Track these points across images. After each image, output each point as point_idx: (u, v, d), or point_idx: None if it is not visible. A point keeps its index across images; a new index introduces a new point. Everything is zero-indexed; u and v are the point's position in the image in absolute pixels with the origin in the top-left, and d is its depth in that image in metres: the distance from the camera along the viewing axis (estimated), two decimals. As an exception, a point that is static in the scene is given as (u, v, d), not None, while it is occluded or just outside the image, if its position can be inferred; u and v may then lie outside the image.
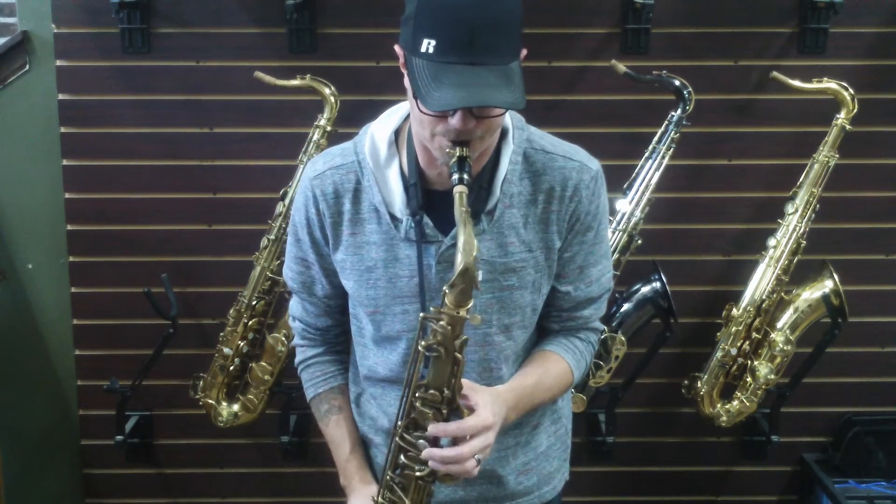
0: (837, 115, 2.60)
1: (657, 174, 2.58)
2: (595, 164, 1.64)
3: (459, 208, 1.40)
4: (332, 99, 2.60)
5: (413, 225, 1.57)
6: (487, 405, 1.48)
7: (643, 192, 2.57)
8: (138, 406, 2.89)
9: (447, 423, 1.47)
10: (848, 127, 2.59)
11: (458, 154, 1.43)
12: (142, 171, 2.80)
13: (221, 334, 2.65)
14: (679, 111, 2.58)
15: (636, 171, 2.60)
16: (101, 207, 2.82)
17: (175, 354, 2.80)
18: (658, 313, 2.62)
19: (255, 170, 2.79)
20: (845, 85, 2.59)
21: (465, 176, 1.42)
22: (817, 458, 2.94)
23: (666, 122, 2.60)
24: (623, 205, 2.57)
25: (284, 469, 2.96)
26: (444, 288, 1.41)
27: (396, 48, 1.48)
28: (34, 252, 2.88)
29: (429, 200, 1.57)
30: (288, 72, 2.63)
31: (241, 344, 2.64)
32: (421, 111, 1.43)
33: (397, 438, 1.52)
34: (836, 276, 2.63)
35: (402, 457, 1.52)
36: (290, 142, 2.68)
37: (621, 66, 2.61)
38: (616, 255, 2.56)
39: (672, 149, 2.59)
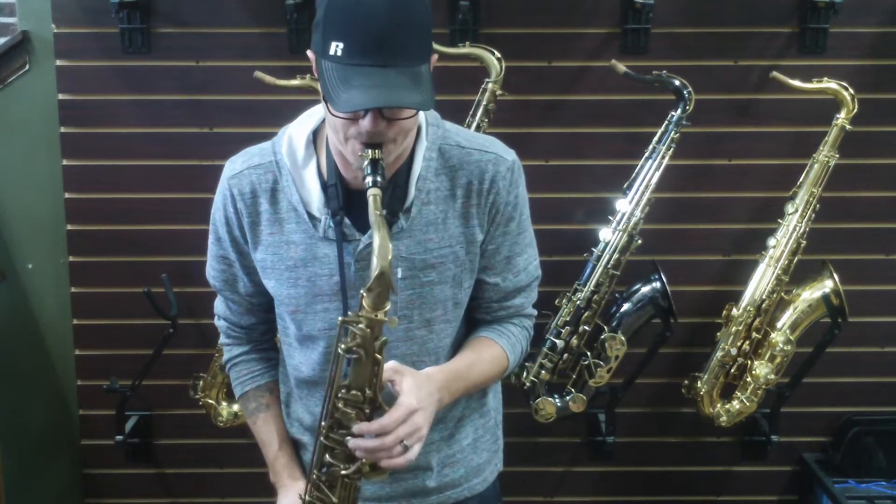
0: (837, 115, 2.60)
1: (657, 174, 2.58)
2: (511, 156, 1.64)
3: (374, 211, 1.40)
4: (332, 99, 2.60)
5: (333, 224, 1.57)
6: (412, 391, 1.48)
7: (643, 192, 2.57)
8: (138, 406, 2.89)
9: (370, 421, 1.46)
10: (848, 127, 2.59)
11: (370, 157, 1.43)
12: (142, 171, 2.80)
13: (221, 334, 2.66)
14: (679, 111, 2.57)
15: (636, 171, 2.59)
16: (101, 207, 2.82)
17: (175, 354, 2.80)
18: (658, 313, 2.62)
19: (255, 170, 2.78)
20: (845, 85, 2.59)
21: (378, 178, 1.42)
22: (817, 458, 2.94)
23: (666, 122, 2.59)
24: (623, 205, 2.57)
25: (284, 469, 2.95)
26: (362, 291, 1.42)
27: (309, 53, 1.49)
28: (34, 252, 2.88)
29: (347, 200, 1.57)
30: (288, 72, 2.63)
31: (241, 344, 2.63)
32: (332, 113, 1.44)
33: (322, 438, 1.52)
34: (836, 276, 2.62)
35: (327, 455, 1.53)
36: (290, 142, 2.67)
37: (621, 66, 2.61)
38: (616, 255, 2.56)
39: (672, 149, 2.58)
